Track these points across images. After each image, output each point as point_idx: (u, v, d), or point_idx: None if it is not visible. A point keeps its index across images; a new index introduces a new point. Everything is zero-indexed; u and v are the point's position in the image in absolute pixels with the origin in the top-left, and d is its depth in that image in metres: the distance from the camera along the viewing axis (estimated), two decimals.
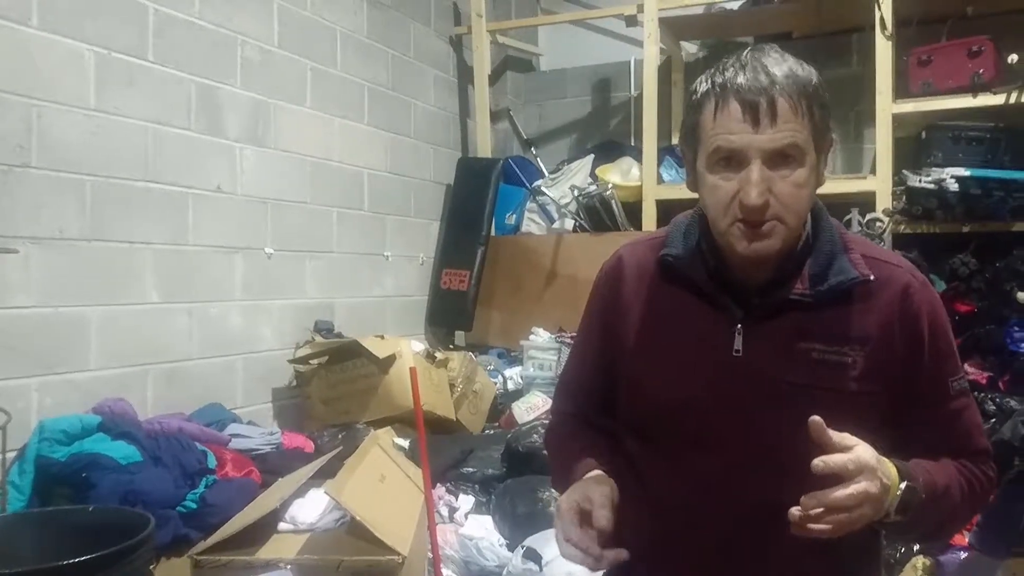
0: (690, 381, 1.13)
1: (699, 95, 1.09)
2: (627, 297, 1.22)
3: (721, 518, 1.11)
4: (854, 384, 1.09)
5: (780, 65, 1.05)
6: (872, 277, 1.11)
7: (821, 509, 0.94)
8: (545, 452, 1.37)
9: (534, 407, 3.55)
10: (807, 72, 1.06)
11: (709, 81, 1.08)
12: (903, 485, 1.00)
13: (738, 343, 1.11)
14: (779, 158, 1.04)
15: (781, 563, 1.10)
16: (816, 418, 0.96)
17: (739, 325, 1.11)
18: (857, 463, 0.95)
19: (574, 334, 3.70)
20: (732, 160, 1.05)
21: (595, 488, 1.10)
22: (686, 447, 1.14)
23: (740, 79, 1.04)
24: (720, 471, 1.10)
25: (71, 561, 1.52)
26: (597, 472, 1.16)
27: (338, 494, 1.78)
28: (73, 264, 2.51)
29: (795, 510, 0.95)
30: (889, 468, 0.99)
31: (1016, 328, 3.21)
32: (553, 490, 2.81)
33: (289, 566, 1.73)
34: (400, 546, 1.76)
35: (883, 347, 1.10)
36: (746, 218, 1.05)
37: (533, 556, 2.44)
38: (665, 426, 1.16)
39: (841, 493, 0.94)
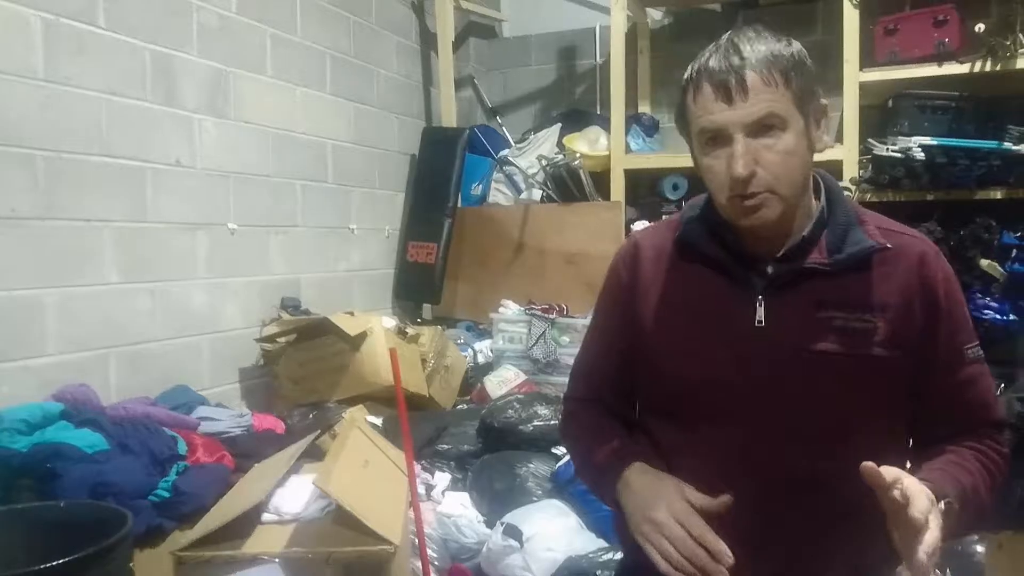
0: (714, 355, 1.14)
1: (683, 82, 1.14)
2: (646, 279, 1.23)
3: (748, 491, 1.10)
4: (879, 349, 1.10)
5: (753, 43, 1.08)
6: (889, 245, 1.14)
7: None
8: (565, 440, 1.39)
9: (506, 381, 3.52)
10: (782, 45, 1.10)
11: (691, 68, 1.13)
12: (942, 505, 1.00)
13: (760, 314, 1.13)
14: (761, 128, 1.07)
15: (808, 534, 1.11)
16: (869, 464, 0.95)
17: (760, 296, 1.13)
18: (924, 510, 0.94)
19: (544, 306, 3.75)
20: (718, 138, 1.09)
21: (673, 487, 1.10)
22: (711, 422, 1.14)
23: (712, 62, 1.08)
24: (746, 444, 1.11)
25: (47, 565, 1.44)
26: (642, 464, 1.16)
27: (326, 485, 1.72)
28: (26, 244, 2.37)
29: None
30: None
31: (979, 295, 3.29)
32: (531, 465, 2.79)
33: (277, 560, 1.67)
34: (391, 535, 1.72)
35: (903, 314, 1.12)
36: (737, 191, 1.08)
37: (513, 532, 2.43)
38: (690, 402, 1.17)
39: (930, 544, 0.93)
